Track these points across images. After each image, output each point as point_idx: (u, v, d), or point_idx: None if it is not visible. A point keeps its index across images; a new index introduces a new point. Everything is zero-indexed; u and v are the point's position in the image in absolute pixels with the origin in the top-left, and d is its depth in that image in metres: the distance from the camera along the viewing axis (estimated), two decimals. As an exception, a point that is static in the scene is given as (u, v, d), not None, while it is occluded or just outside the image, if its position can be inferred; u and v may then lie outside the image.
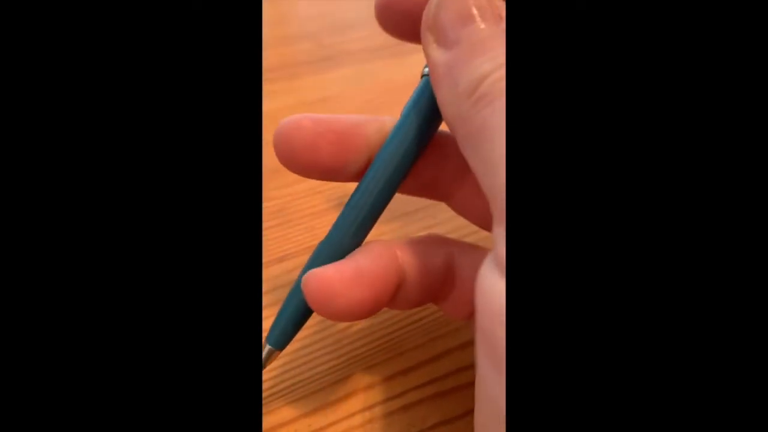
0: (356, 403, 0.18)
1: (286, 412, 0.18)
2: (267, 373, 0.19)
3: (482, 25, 0.13)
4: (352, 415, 0.18)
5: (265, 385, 0.19)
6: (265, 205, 0.27)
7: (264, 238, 0.25)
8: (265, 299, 0.22)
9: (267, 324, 0.21)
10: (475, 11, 0.13)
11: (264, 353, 0.17)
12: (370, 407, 0.18)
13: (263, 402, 0.18)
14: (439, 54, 0.14)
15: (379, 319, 0.21)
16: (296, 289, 0.17)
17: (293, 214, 0.26)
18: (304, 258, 0.24)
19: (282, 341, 0.17)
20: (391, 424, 0.18)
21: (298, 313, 0.17)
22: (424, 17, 0.14)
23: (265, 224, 0.26)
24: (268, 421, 0.18)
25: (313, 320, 0.21)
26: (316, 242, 0.25)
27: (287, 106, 0.35)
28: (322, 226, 0.26)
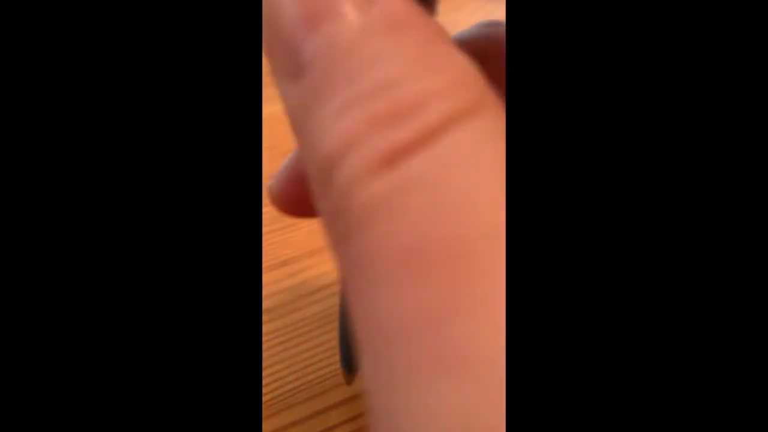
0: (356, 407, 0.18)
1: (285, 416, 0.18)
2: (267, 377, 0.19)
3: (351, 19, 0.07)
4: (351, 419, 0.18)
5: (265, 389, 0.19)
6: (265, 209, 0.27)
7: (265, 243, 0.25)
8: (266, 303, 0.22)
9: (267, 328, 0.21)
10: None
11: (343, 377, 0.17)
12: (370, 411, 0.18)
13: (266, 405, 0.18)
14: (288, 90, 0.08)
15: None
16: (342, 316, 0.17)
17: (294, 218, 0.26)
18: (305, 262, 0.24)
19: (352, 365, 0.17)
20: (392, 428, 0.18)
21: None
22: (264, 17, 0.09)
23: (265, 228, 0.26)
24: (267, 425, 0.18)
25: (315, 324, 0.21)
26: (316, 247, 0.26)
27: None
28: (322, 230, 0.26)
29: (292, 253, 0.24)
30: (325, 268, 0.24)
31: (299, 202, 0.13)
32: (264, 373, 0.19)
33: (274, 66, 0.09)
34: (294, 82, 0.08)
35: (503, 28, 0.14)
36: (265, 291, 0.22)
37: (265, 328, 0.21)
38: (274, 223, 0.26)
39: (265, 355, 0.20)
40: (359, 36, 0.07)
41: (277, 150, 0.31)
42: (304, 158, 0.08)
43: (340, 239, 0.08)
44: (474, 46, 0.13)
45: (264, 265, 0.24)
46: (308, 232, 0.26)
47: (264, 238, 0.25)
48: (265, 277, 0.23)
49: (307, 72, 0.08)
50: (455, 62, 0.07)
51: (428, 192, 0.07)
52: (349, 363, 0.17)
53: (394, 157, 0.07)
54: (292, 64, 0.08)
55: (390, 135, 0.07)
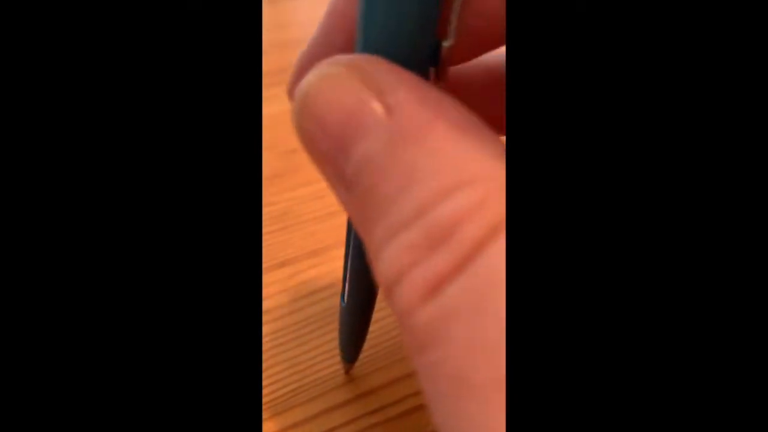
0: (356, 408, 0.18)
1: (285, 418, 0.18)
2: (267, 379, 0.19)
3: (377, 135, 0.08)
4: (352, 420, 0.18)
5: (265, 391, 0.19)
6: (266, 209, 0.27)
7: (265, 243, 0.25)
8: (266, 304, 0.22)
9: (267, 329, 0.21)
10: (371, 102, 0.08)
11: (343, 366, 0.19)
12: (372, 412, 0.18)
13: (266, 407, 0.18)
14: (340, 195, 0.09)
15: (380, 324, 0.21)
16: (341, 313, 0.17)
17: (294, 218, 0.26)
18: (305, 263, 0.24)
19: (351, 355, 0.18)
20: (391, 429, 0.18)
21: (354, 327, 0.17)
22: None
23: (265, 229, 0.26)
24: (268, 426, 0.18)
25: (315, 324, 0.21)
26: (317, 247, 0.26)
27: (288, 110, 0.35)
28: (323, 231, 0.26)
29: (292, 254, 0.24)
30: (325, 268, 0.24)
31: None
32: (264, 375, 0.19)
33: (326, 177, 0.09)
34: (346, 192, 0.09)
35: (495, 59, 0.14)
36: (264, 292, 0.22)
37: (264, 329, 0.21)
38: (274, 223, 0.26)
39: (264, 356, 0.20)
40: (388, 152, 0.08)
41: (277, 150, 0.31)
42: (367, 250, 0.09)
43: (408, 349, 0.09)
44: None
45: (264, 265, 0.24)
46: (308, 232, 0.26)
47: (264, 238, 0.25)
48: (265, 278, 0.23)
49: (354, 187, 0.09)
50: (481, 166, 0.08)
51: (465, 323, 0.07)
52: (348, 354, 0.18)
53: (435, 287, 0.08)
54: (340, 179, 0.09)
55: (430, 265, 0.08)
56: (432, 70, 0.10)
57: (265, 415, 0.18)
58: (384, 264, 0.08)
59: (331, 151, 0.09)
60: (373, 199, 0.08)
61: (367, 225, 0.09)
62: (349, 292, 0.16)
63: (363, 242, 0.09)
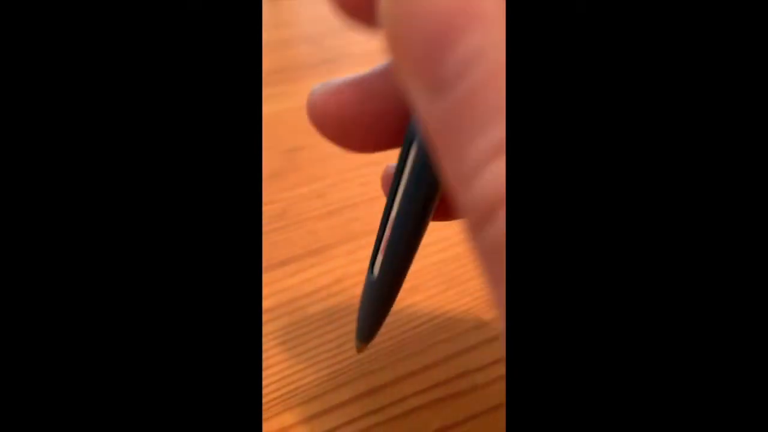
0: (357, 408, 0.18)
1: (286, 418, 0.18)
2: (268, 378, 0.19)
3: (495, 30, 0.07)
4: (353, 420, 0.18)
5: (265, 390, 0.19)
6: (266, 208, 0.27)
7: (265, 242, 0.25)
8: (267, 303, 0.22)
9: (267, 328, 0.21)
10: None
11: (356, 344, 0.18)
12: (371, 413, 0.18)
13: (266, 407, 0.18)
14: (427, 102, 0.08)
15: (380, 323, 0.21)
16: (368, 287, 0.16)
17: (294, 217, 0.26)
18: (305, 262, 0.24)
19: (367, 335, 0.17)
20: (392, 429, 0.17)
21: (375, 307, 0.17)
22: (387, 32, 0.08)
23: (266, 228, 0.26)
24: (268, 426, 0.18)
25: (316, 324, 0.21)
26: (317, 246, 0.26)
27: (287, 109, 0.35)
28: (323, 229, 0.26)
29: (292, 253, 0.24)
30: (325, 267, 0.24)
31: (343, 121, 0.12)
32: (264, 374, 0.19)
33: (413, 86, 0.08)
34: (434, 95, 0.07)
35: None
36: (265, 291, 0.22)
37: (264, 329, 0.21)
38: (273, 222, 0.26)
39: (265, 355, 0.20)
40: (500, 50, 0.07)
41: (277, 149, 0.31)
42: (447, 173, 0.08)
43: (484, 278, 0.07)
44: None
45: (264, 264, 0.24)
46: (308, 231, 0.26)
47: (264, 237, 0.25)
48: (265, 277, 0.23)
49: (451, 89, 0.07)
50: None
51: None
52: (366, 332, 0.17)
53: None
54: (430, 85, 0.07)
55: None
56: None
57: (264, 414, 0.18)
58: (478, 190, 0.07)
59: (426, 49, 0.07)
60: (473, 109, 0.07)
61: (459, 141, 0.07)
62: (383, 262, 0.14)
63: (443, 165, 0.07)
